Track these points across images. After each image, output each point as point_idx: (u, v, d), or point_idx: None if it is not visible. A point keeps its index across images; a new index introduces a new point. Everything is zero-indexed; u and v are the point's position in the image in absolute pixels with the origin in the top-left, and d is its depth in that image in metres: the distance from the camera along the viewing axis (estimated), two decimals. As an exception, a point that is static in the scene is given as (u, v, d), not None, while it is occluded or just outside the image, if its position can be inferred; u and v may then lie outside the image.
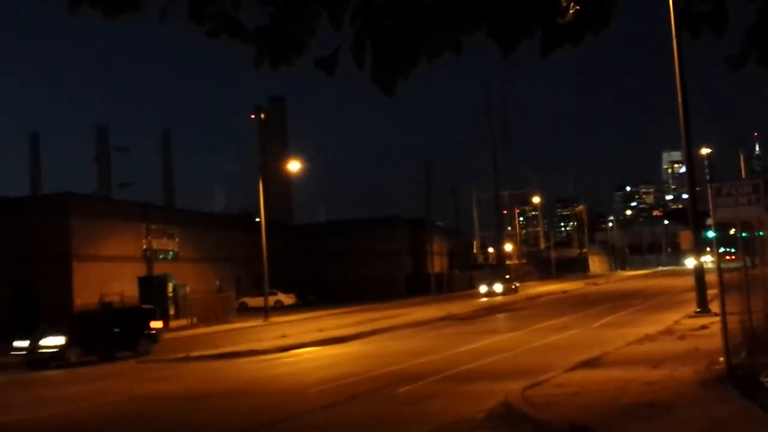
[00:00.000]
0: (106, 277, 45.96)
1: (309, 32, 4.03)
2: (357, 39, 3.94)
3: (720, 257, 13.51)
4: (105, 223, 47.90)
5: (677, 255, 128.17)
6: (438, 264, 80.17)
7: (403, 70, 3.99)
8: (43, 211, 45.70)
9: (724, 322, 12.70)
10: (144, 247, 51.57)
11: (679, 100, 26.88)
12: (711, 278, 18.66)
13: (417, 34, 3.93)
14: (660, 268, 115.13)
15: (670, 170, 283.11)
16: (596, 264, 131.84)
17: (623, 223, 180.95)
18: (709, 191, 12.85)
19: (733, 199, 12.58)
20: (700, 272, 27.53)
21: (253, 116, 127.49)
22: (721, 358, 12.64)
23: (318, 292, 66.89)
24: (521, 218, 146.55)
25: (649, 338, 20.07)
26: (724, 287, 13.10)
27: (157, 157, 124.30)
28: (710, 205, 12.71)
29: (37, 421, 14.57)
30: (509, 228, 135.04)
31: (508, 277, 68.82)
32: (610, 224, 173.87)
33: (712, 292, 24.99)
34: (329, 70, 4.10)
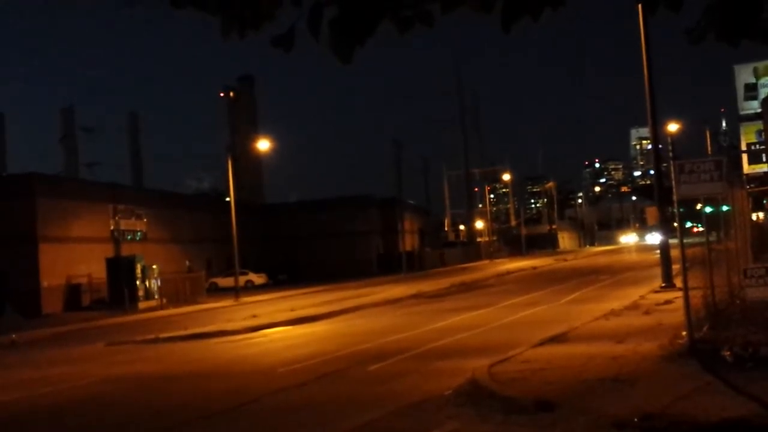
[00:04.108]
0: (74, 258, 45.48)
1: (274, 2, 3.98)
2: (312, 13, 3.89)
3: (682, 232, 13.68)
4: (72, 203, 47.27)
5: (644, 230, 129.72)
6: (409, 242, 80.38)
7: (359, 37, 3.95)
8: (8, 192, 44.94)
9: (686, 297, 12.90)
10: (111, 227, 51.03)
11: (645, 76, 27.08)
12: (677, 253, 18.93)
13: (383, 4, 3.88)
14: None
15: (638, 147, 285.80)
16: (566, 240, 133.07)
17: (592, 200, 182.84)
18: (671, 168, 12.99)
19: (695, 176, 12.73)
20: (665, 247, 27.94)
21: (222, 94, 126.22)
22: (684, 333, 12.85)
23: (289, 272, 66.78)
24: (492, 196, 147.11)
25: (614, 313, 20.34)
26: (686, 262, 13.30)
27: (124, 139, 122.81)
28: (673, 182, 12.85)
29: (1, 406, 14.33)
30: (480, 205, 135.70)
31: None
32: (579, 201, 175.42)
33: (677, 267, 25.38)
34: (286, 47, 4.07)
